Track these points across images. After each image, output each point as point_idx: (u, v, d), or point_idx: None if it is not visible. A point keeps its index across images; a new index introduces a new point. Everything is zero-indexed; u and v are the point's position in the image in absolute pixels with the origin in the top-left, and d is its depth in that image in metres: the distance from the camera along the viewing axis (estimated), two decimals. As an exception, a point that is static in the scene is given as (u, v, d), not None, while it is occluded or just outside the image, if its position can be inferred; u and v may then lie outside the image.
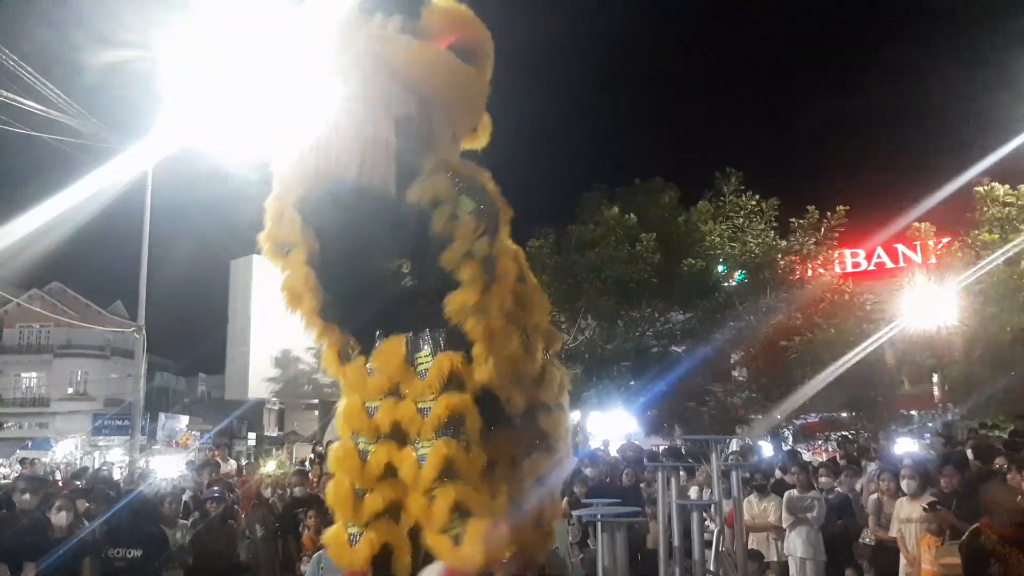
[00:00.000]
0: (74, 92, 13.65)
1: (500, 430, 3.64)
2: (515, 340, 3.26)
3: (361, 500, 3.13)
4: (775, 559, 8.15)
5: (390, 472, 3.13)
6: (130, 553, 6.03)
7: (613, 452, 13.67)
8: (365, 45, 2.96)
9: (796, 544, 7.93)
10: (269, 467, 12.95)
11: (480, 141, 3.58)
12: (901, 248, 25.71)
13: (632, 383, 19.07)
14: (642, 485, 9.07)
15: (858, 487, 8.80)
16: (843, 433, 18.57)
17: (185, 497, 8.20)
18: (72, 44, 12.88)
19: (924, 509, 6.54)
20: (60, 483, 9.33)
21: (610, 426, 20.20)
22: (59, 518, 5.87)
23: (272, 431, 34.21)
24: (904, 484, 7.19)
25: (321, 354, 3.48)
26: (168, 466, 19.37)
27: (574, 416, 19.02)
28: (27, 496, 6.07)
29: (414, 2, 3.10)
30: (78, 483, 8.56)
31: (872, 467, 9.17)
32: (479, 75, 3.31)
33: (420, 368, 3.12)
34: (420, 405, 3.06)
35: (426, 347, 3.13)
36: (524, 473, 3.75)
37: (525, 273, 3.60)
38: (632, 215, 19.10)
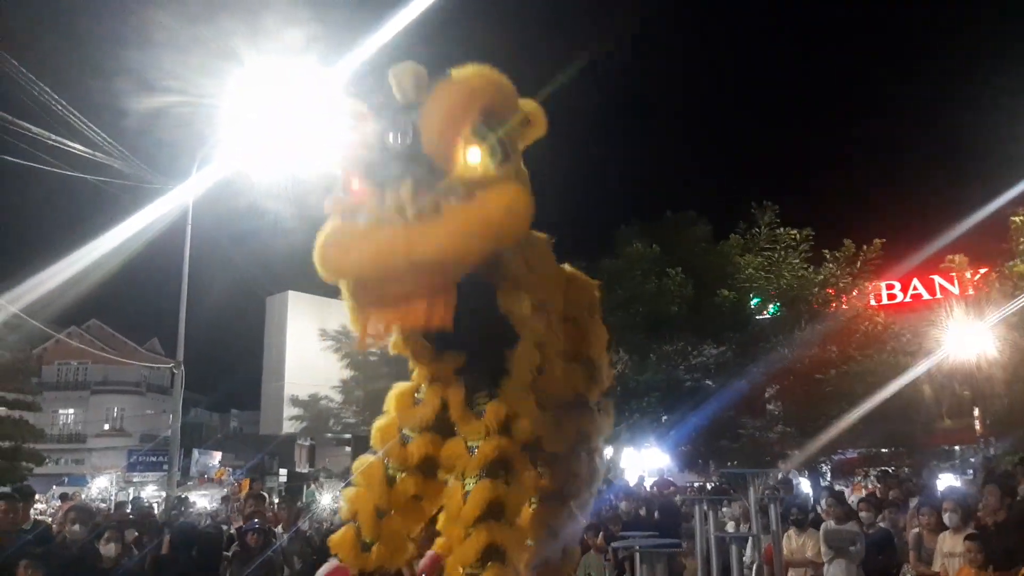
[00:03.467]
0: (117, 132, 14.13)
1: (547, 465, 3.73)
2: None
3: (381, 520, 3.26)
4: (812, 595, 8.05)
5: (415, 501, 3.29)
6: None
7: (647, 487, 13.58)
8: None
9: (836, 577, 7.83)
10: None
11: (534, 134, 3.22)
12: (938, 280, 25.40)
13: (664, 417, 18.94)
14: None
15: (901, 523, 8.68)
16: (883, 468, 18.22)
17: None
18: (117, 89, 13.38)
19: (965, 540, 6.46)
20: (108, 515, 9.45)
21: (644, 462, 20.06)
22: (108, 549, 6.00)
23: (303, 467, 34.26)
24: (946, 518, 7.10)
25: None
26: (204, 501, 19.54)
27: (607, 452, 18.89)
28: (76, 527, 6.21)
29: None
30: (127, 512, 8.72)
31: (914, 502, 9.04)
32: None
33: (477, 409, 3.22)
34: (470, 443, 3.17)
35: (484, 388, 3.22)
36: (567, 509, 3.84)
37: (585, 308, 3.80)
38: (655, 246, 19.11)
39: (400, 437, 3.28)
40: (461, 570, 3.05)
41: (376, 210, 2.73)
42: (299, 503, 12.96)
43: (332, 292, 3.21)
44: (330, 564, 3.30)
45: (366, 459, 3.45)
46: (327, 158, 3.16)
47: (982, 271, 20.67)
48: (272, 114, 13.94)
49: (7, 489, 7.04)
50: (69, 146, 13.12)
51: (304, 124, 13.52)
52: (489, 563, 2.99)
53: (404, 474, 3.26)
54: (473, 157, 2.82)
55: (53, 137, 12.87)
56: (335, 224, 2.93)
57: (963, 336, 18.65)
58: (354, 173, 2.92)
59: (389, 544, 3.27)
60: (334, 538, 3.39)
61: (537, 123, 3.09)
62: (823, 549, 7.97)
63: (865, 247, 18.79)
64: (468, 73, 2.90)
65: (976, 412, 20.96)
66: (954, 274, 22.34)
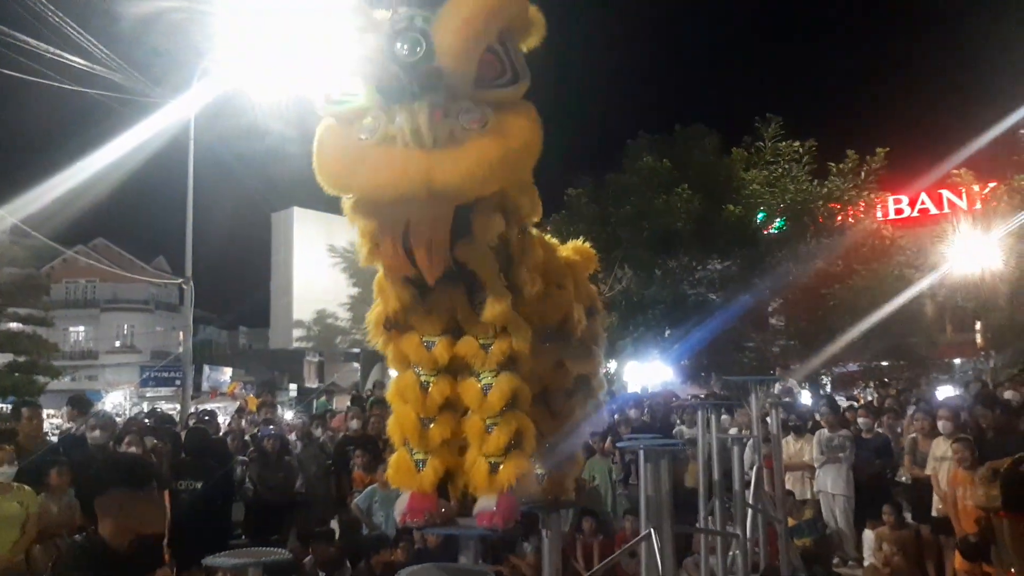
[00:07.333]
0: (116, 45, 13.82)
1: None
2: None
3: (427, 429, 3.30)
4: (809, 497, 8.41)
5: (449, 403, 3.34)
6: (191, 485, 6.42)
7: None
8: None
9: (827, 481, 8.20)
10: None
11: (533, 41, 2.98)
12: (946, 194, 25.21)
13: (668, 332, 19.17)
14: (683, 426, 9.28)
15: (899, 429, 8.94)
16: (882, 379, 18.51)
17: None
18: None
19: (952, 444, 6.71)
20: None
21: (647, 375, 20.38)
22: (128, 452, 6.20)
23: (312, 382, 34.98)
24: (940, 424, 7.33)
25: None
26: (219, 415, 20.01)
27: (611, 365, 19.20)
28: (97, 432, 6.43)
29: None
30: (146, 420, 9.00)
31: (911, 410, 9.30)
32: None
33: (478, 309, 3.25)
34: (482, 342, 3.24)
35: (484, 293, 3.20)
36: (569, 410, 3.96)
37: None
38: (667, 161, 18.93)
39: (424, 345, 3.35)
40: (484, 460, 3.16)
41: (384, 126, 2.64)
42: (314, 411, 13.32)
43: (337, 208, 3.12)
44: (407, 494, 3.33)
45: (395, 377, 3.50)
46: (329, 61, 2.93)
47: (991, 185, 20.50)
48: (275, 23, 13.59)
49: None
50: (67, 59, 12.90)
51: (310, 33, 13.16)
52: (512, 451, 3.13)
53: (435, 379, 3.30)
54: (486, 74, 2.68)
55: (51, 50, 12.64)
56: (335, 132, 2.81)
57: (968, 250, 18.65)
58: (358, 80, 2.76)
59: (440, 454, 3.31)
60: (389, 471, 3.44)
61: (537, 29, 2.87)
62: (815, 454, 8.31)
63: (869, 157, 18.57)
64: None
65: (978, 326, 21.17)
66: (962, 188, 22.17)
